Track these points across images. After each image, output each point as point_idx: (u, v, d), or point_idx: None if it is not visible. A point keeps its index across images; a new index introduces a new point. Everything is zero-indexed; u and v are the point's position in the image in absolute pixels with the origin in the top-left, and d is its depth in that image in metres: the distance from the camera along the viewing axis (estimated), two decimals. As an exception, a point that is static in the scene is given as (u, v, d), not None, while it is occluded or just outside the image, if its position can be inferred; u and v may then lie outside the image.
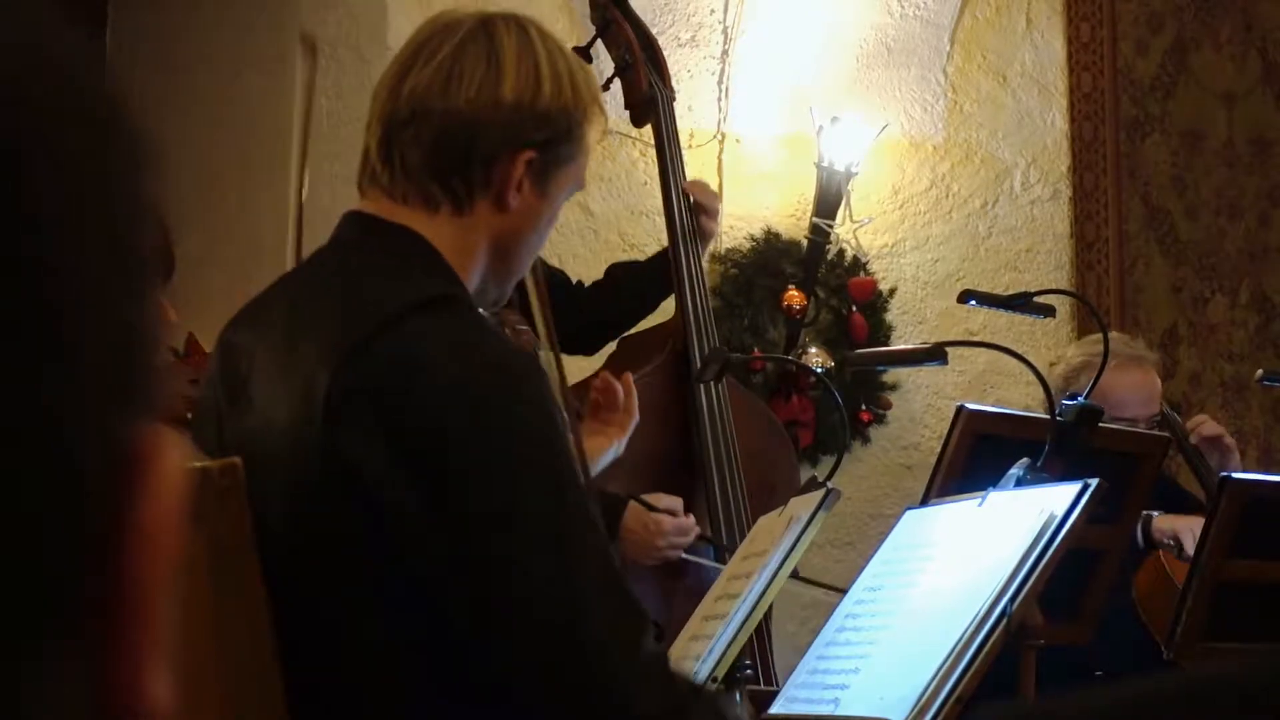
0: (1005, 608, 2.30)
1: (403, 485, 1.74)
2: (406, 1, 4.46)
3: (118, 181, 0.52)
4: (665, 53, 3.95)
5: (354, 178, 2.00)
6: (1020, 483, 2.64)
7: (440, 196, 1.92)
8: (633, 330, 3.91)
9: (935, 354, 3.02)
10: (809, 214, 4.99)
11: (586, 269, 3.97)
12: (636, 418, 2.88)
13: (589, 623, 1.75)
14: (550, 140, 1.94)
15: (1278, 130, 5.51)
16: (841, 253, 5.07)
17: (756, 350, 4.83)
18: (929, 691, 2.24)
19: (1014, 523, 2.43)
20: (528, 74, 1.93)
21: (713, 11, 4.97)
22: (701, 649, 2.46)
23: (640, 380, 3.69)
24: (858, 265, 5.09)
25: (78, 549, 0.49)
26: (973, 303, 3.37)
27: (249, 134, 4.67)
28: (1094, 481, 2.42)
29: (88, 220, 0.50)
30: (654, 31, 4.08)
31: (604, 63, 3.90)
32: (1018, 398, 4.90)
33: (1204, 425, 4.05)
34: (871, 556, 2.64)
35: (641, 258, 4.23)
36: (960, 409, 3.20)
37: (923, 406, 5.13)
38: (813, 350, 4.96)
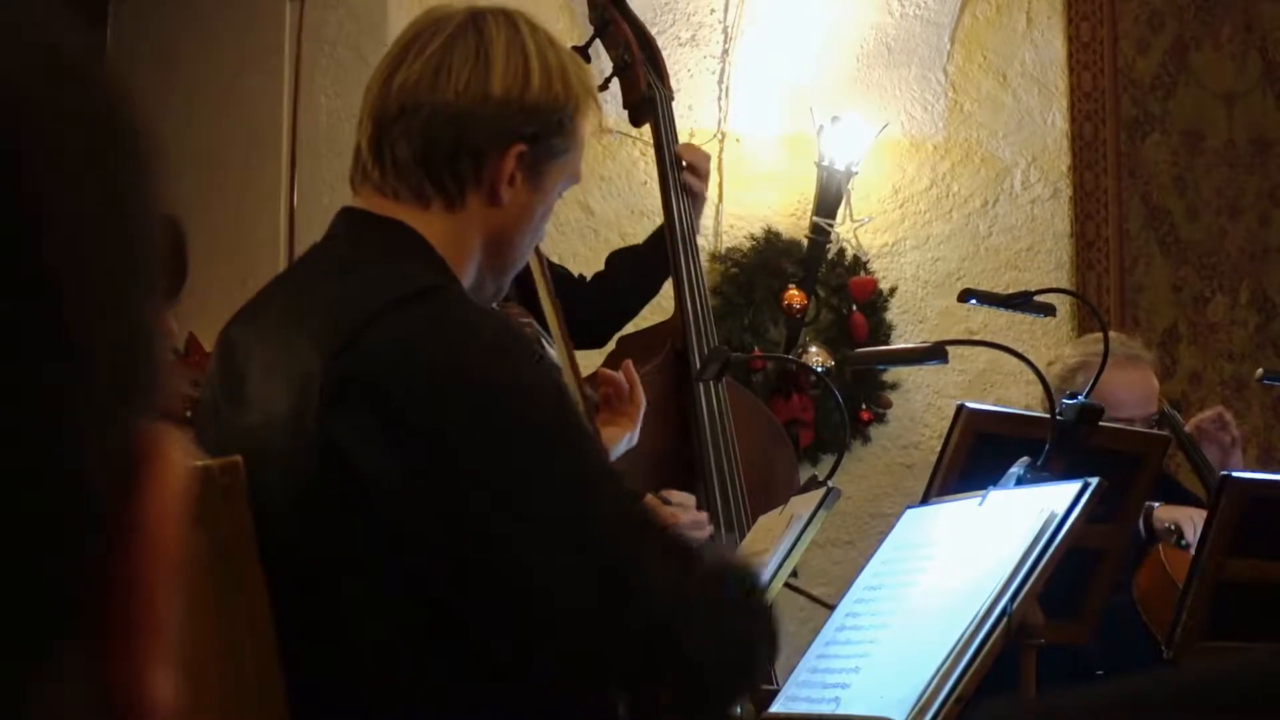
0: (1006, 607, 2.30)
1: (404, 473, 1.73)
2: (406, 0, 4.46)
3: (122, 181, 0.52)
4: (665, 52, 3.95)
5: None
6: (1021, 482, 2.64)
7: (431, 192, 1.92)
8: (632, 330, 3.91)
9: (935, 353, 3.02)
10: (809, 213, 4.99)
11: (587, 268, 3.97)
12: (644, 404, 2.88)
13: (630, 576, 1.73)
14: (541, 133, 1.93)
15: (1278, 130, 5.51)
16: (842, 252, 5.07)
17: (757, 349, 4.82)
18: (929, 690, 2.24)
19: (1014, 522, 2.43)
20: (516, 67, 1.92)
21: (713, 11, 4.96)
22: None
23: (639, 379, 3.70)
24: (858, 264, 5.09)
25: (80, 549, 0.49)
26: (973, 302, 3.37)
27: (249, 133, 4.67)
28: (1094, 480, 2.42)
29: (91, 220, 0.50)
30: (654, 31, 4.08)
31: (602, 62, 3.89)
32: (1018, 397, 4.90)
33: (1207, 418, 4.06)
34: (872, 556, 2.64)
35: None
36: (960, 408, 3.20)
37: (923, 405, 5.13)
38: (813, 349, 4.96)
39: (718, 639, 1.76)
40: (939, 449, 3.23)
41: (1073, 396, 2.95)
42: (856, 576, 2.61)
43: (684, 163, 3.78)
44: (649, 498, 3.39)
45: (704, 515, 3.15)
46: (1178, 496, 4.04)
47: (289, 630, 1.78)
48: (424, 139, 1.91)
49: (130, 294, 0.51)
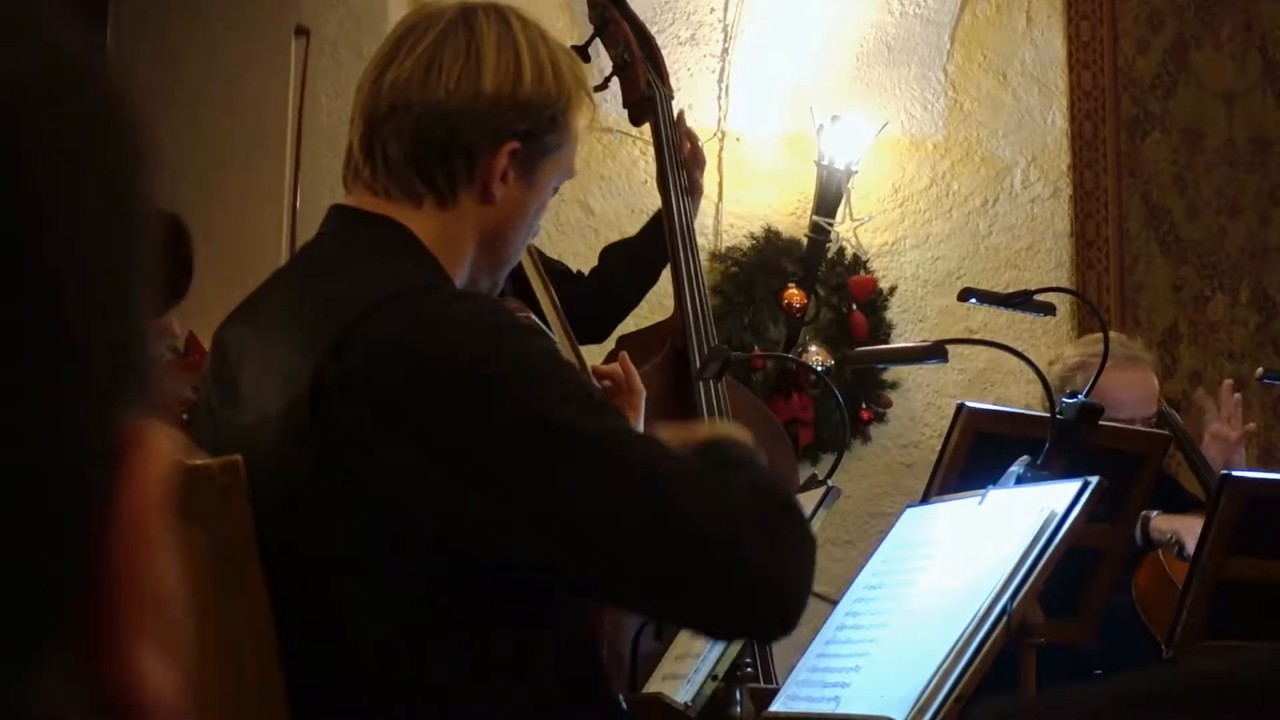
0: (1005, 606, 2.30)
1: (406, 469, 1.73)
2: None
3: (121, 180, 0.52)
4: (665, 51, 3.95)
5: (354, 177, 1.99)
6: (1021, 481, 2.64)
7: (423, 190, 1.91)
8: (632, 328, 3.91)
9: (935, 352, 3.02)
10: (809, 212, 4.99)
11: (586, 267, 3.97)
12: (644, 393, 2.87)
13: (671, 509, 1.73)
14: (534, 130, 1.92)
15: (1278, 129, 5.51)
16: (842, 251, 5.07)
17: (757, 349, 4.83)
18: (929, 690, 2.24)
19: (1014, 521, 2.43)
20: (508, 64, 1.91)
21: (712, 10, 4.97)
22: (702, 646, 2.47)
23: (640, 377, 3.69)
24: (858, 263, 5.09)
25: (72, 544, 0.49)
26: (973, 301, 3.37)
27: (250, 132, 4.67)
28: (1094, 480, 2.42)
29: (90, 219, 0.50)
30: (654, 30, 4.08)
31: (602, 61, 3.89)
32: (1018, 396, 4.90)
33: (1221, 430, 4.06)
34: (872, 555, 2.64)
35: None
36: (960, 407, 3.20)
37: (923, 405, 5.13)
38: (813, 348, 4.96)
39: (778, 555, 1.76)
40: (939, 448, 3.23)
41: (1073, 396, 2.95)
42: (856, 576, 2.61)
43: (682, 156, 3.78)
44: None
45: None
46: (1177, 496, 4.04)
47: (289, 630, 1.77)
48: (416, 137, 1.90)
49: (127, 292, 0.51)
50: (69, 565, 0.49)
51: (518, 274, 3.19)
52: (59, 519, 0.48)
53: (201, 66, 4.79)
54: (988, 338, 4.14)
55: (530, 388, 1.75)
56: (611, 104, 4.71)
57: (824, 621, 2.57)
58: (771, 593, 1.76)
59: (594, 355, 3.88)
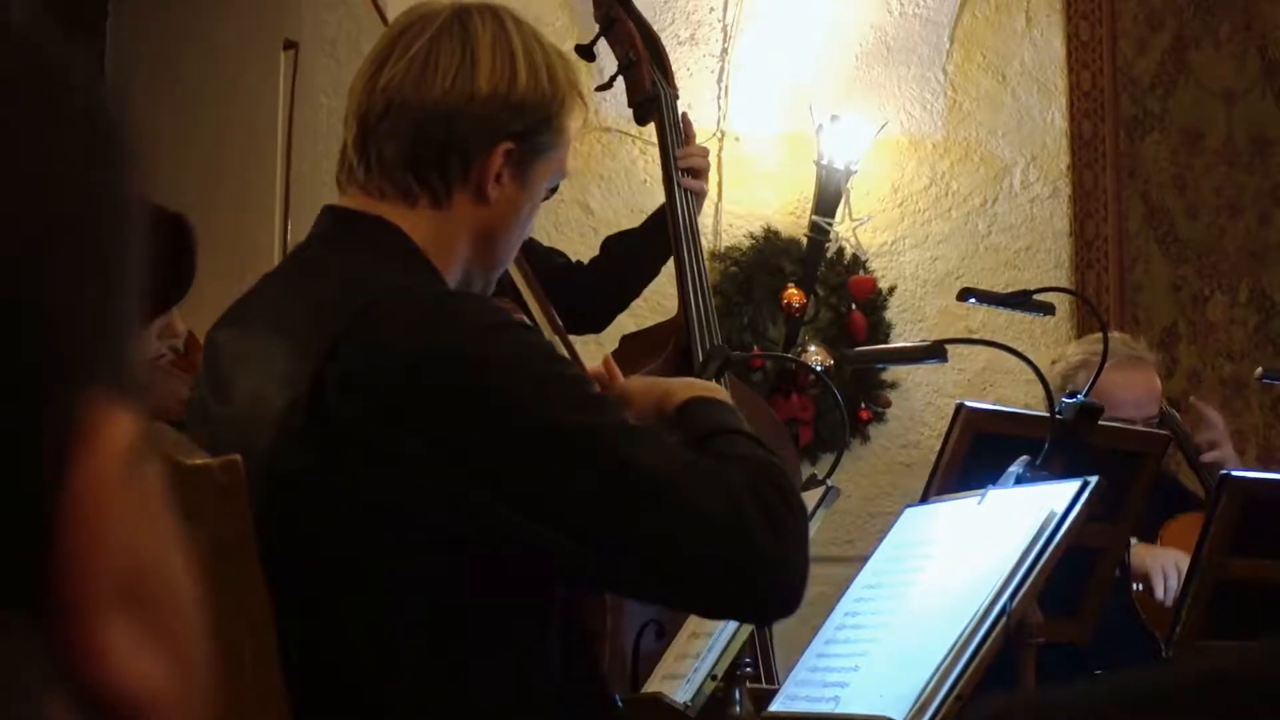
0: (1005, 605, 2.30)
1: (406, 469, 1.73)
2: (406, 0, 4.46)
3: (97, 176, 0.52)
4: (666, 51, 3.95)
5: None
6: (1020, 480, 2.64)
7: (417, 190, 1.91)
8: (635, 328, 3.91)
9: (935, 352, 3.02)
10: (808, 212, 4.99)
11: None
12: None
13: (674, 498, 1.74)
14: (528, 130, 1.92)
15: (1277, 129, 5.51)
16: (841, 251, 5.07)
17: (756, 348, 4.83)
18: (929, 689, 2.24)
19: (1014, 520, 2.43)
20: (503, 64, 1.91)
21: (712, 10, 4.97)
22: (701, 646, 2.47)
23: (640, 376, 3.69)
24: (857, 263, 5.09)
25: (28, 519, 0.49)
26: (972, 300, 3.37)
27: (249, 133, 4.67)
28: (1094, 479, 2.42)
29: (65, 213, 0.50)
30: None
31: (607, 61, 3.89)
32: (1018, 396, 4.91)
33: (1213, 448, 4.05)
34: (871, 554, 2.64)
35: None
36: (960, 407, 3.20)
37: (922, 404, 5.13)
38: (812, 348, 4.97)
39: (783, 537, 1.77)
40: (938, 448, 3.23)
41: (1073, 396, 2.95)
42: (856, 575, 2.61)
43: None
44: None
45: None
46: (1178, 496, 4.04)
47: (289, 630, 1.77)
48: (410, 138, 1.90)
49: (100, 282, 0.51)
50: (22, 535, 0.49)
51: (504, 277, 3.19)
52: (15, 490, 0.48)
53: (200, 68, 4.79)
54: (987, 337, 4.14)
55: (528, 384, 1.76)
56: (612, 103, 4.72)
57: (824, 621, 2.57)
58: (779, 574, 1.78)
59: (595, 353, 3.88)
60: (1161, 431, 3.59)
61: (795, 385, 4.90)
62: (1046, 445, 2.74)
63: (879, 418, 5.08)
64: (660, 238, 3.76)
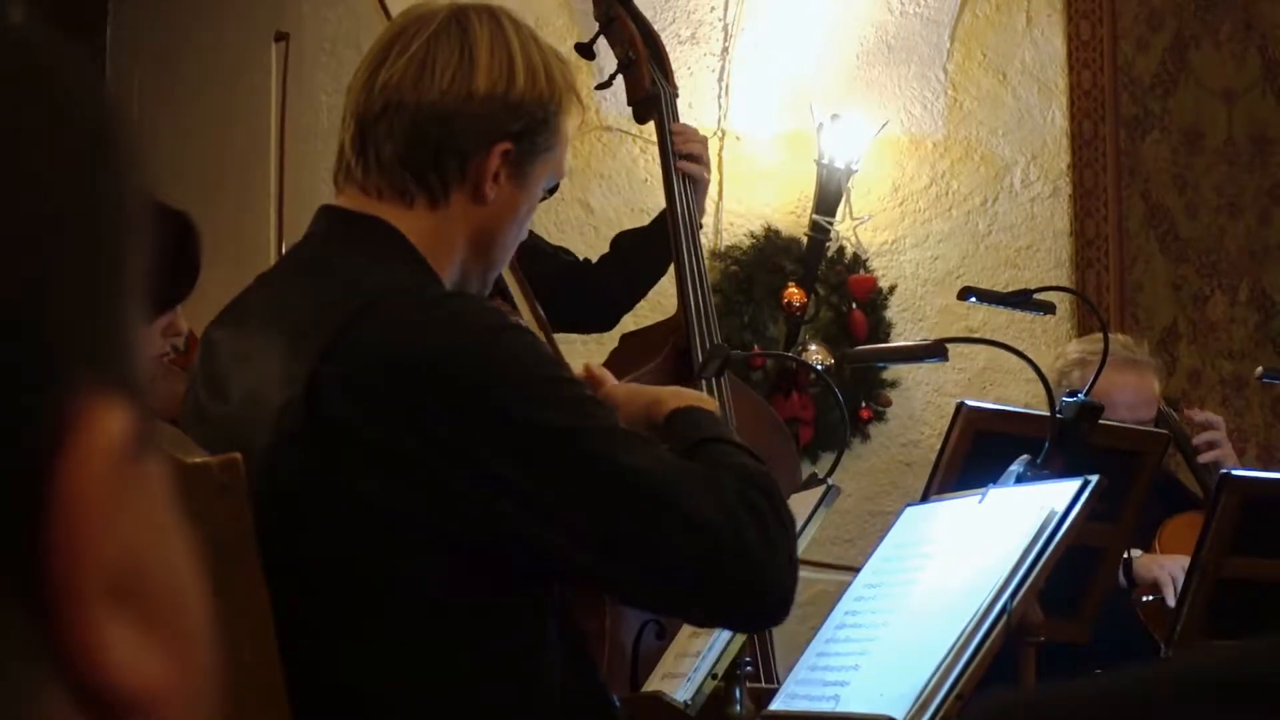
0: (1005, 604, 2.30)
1: (412, 462, 1.73)
2: (407, -1, 4.46)
3: (97, 175, 0.52)
4: (666, 50, 3.95)
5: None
6: (1020, 479, 2.64)
7: (415, 190, 1.91)
8: (634, 327, 3.91)
9: (935, 351, 3.02)
10: (809, 211, 4.99)
11: (586, 266, 3.97)
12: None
13: (666, 503, 1.75)
14: (526, 131, 1.92)
15: (1278, 128, 5.51)
16: (841, 250, 5.07)
17: (757, 347, 4.83)
18: (929, 688, 2.24)
19: (1014, 519, 2.43)
20: (501, 65, 1.91)
21: (713, 9, 4.97)
22: (702, 645, 2.47)
23: (642, 377, 3.69)
24: (858, 262, 5.09)
25: (14, 512, 0.49)
26: (973, 299, 3.36)
27: (249, 132, 4.67)
28: (1094, 478, 2.42)
29: (64, 211, 0.50)
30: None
31: (607, 59, 3.89)
32: (1018, 395, 4.90)
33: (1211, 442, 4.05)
34: (871, 553, 2.64)
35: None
36: (960, 406, 3.20)
37: (923, 404, 5.13)
38: (813, 347, 4.97)
39: (773, 543, 1.78)
40: (939, 447, 3.23)
41: (1073, 395, 2.95)
42: (856, 574, 2.62)
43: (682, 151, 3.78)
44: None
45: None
46: (1178, 495, 4.04)
47: (289, 630, 1.77)
48: (408, 138, 1.90)
49: (94, 277, 0.51)
50: (7, 528, 0.49)
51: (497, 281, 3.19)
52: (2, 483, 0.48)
53: (200, 66, 4.79)
54: (987, 336, 4.14)
55: (526, 386, 1.76)
56: (612, 102, 4.72)
57: (824, 620, 2.57)
58: (770, 581, 1.79)
59: (595, 353, 3.88)
60: (1160, 431, 3.59)
61: (796, 384, 4.90)
62: (1047, 444, 2.74)
63: (879, 417, 5.08)
64: (668, 235, 3.76)
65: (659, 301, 4.13)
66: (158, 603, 0.52)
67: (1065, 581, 2.70)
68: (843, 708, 2.33)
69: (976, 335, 4.72)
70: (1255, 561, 3.17)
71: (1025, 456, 2.68)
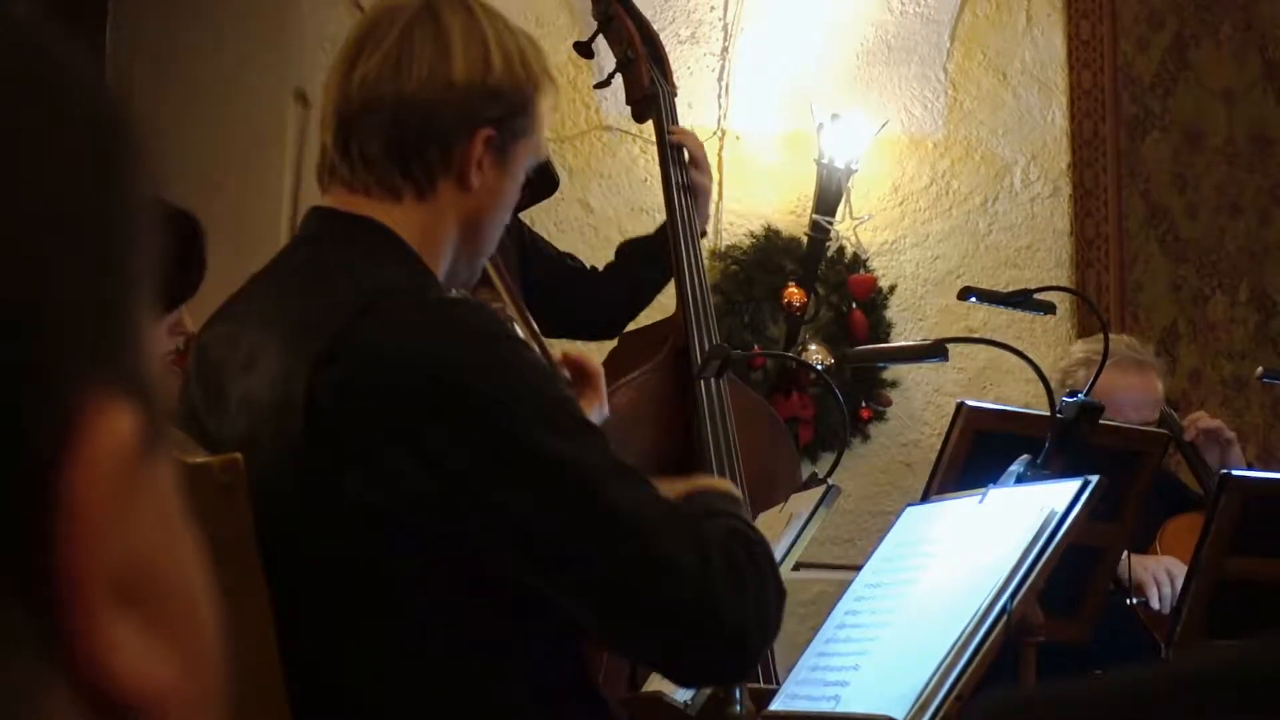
0: (1005, 604, 2.30)
1: (407, 467, 1.73)
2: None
3: (102, 174, 0.52)
4: (665, 49, 3.95)
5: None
6: (1021, 479, 2.64)
7: (402, 185, 1.91)
8: (633, 327, 3.91)
9: (936, 350, 3.02)
10: (809, 211, 4.99)
11: (586, 265, 3.96)
12: (601, 371, 2.88)
13: (635, 537, 1.75)
14: (505, 116, 1.93)
15: (1278, 128, 5.51)
16: (841, 250, 5.07)
17: (757, 347, 4.83)
18: (929, 688, 2.24)
19: (1014, 519, 2.43)
20: (476, 53, 1.92)
21: (713, 8, 4.97)
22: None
23: (641, 377, 3.69)
24: (858, 262, 5.09)
25: (18, 513, 0.49)
26: (973, 299, 3.36)
27: (250, 131, 4.67)
28: (1094, 478, 2.42)
29: (70, 210, 0.50)
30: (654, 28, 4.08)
31: (605, 58, 3.89)
32: (1018, 395, 4.90)
33: (1201, 419, 4.05)
34: (872, 553, 2.64)
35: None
36: (960, 406, 3.20)
37: (923, 403, 5.13)
38: (813, 347, 4.97)
39: (746, 600, 1.78)
40: (939, 447, 3.23)
41: (1073, 395, 2.95)
42: (856, 574, 2.61)
43: (686, 154, 3.77)
44: None
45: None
46: (1178, 495, 4.04)
47: (289, 630, 1.78)
48: (391, 132, 1.90)
49: (101, 277, 0.51)
50: (11, 528, 0.49)
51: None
52: (4, 484, 0.48)
53: (201, 66, 4.79)
54: (987, 336, 4.14)
55: (520, 400, 1.76)
56: (612, 101, 4.72)
57: (824, 621, 2.57)
58: (730, 635, 1.78)
59: (597, 352, 3.88)
60: (1161, 431, 3.59)
61: (796, 384, 4.90)
62: (1047, 444, 2.74)
63: (879, 417, 5.08)
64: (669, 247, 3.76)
65: (659, 301, 4.13)
66: (165, 604, 0.52)
67: (1065, 581, 2.70)
68: (843, 708, 2.33)
69: (976, 335, 4.72)
70: (1255, 562, 3.17)
71: (1025, 456, 2.68)
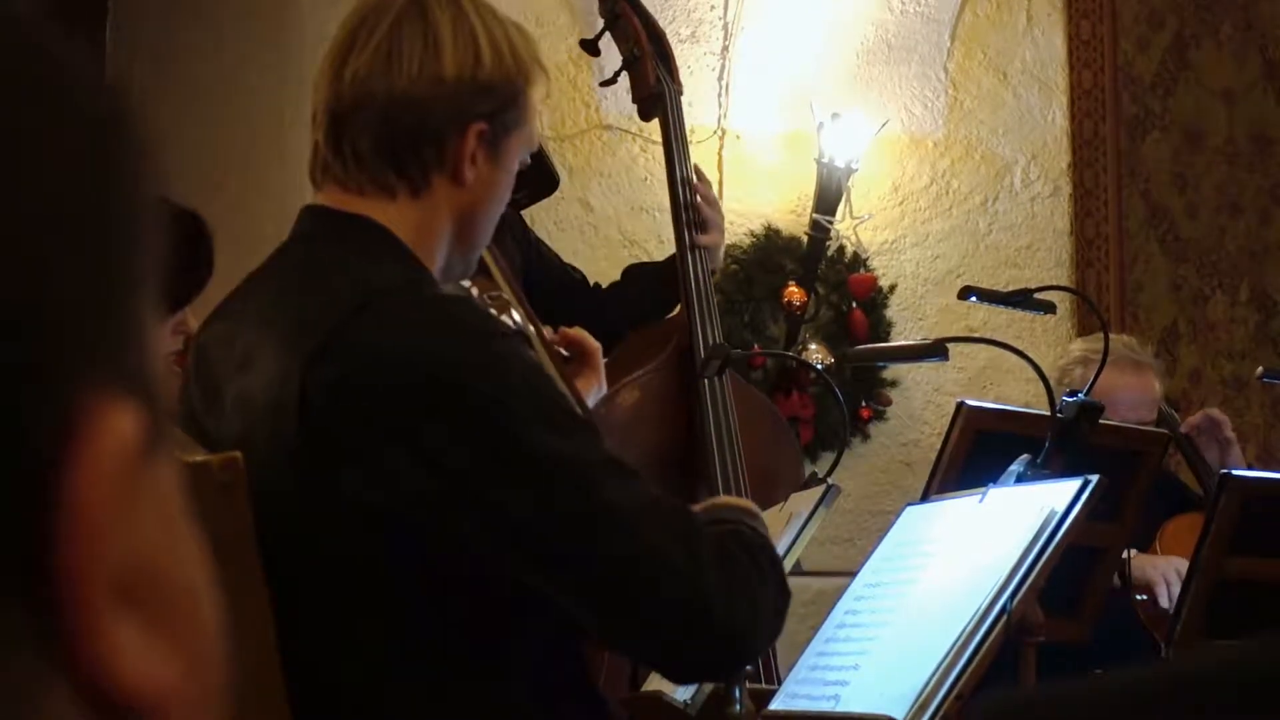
0: (1005, 604, 2.30)
1: (404, 467, 1.73)
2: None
3: (109, 177, 0.52)
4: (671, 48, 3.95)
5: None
6: (1021, 479, 2.64)
7: (396, 182, 1.90)
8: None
9: (936, 350, 3.02)
10: (809, 210, 4.99)
11: (586, 265, 3.97)
12: (599, 348, 2.87)
13: (629, 536, 1.75)
14: (498, 110, 1.92)
15: (1278, 127, 5.50)
16: (842, 249, 5.07)
17: (757, 346, 4.83)
18: (929, 688, 2.24)
19: (1014, 519, 2.43)
20: (466, 47, 1.91)
21: (713, 8, 4.96)
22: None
23: (646, 376, 3.69)
24: (858, 262, 5.09)
25: (18, 514, 0.49)
26: (973, 299, 3.37)
27: (250, 130, 4.67)
28: (1094, 478, 2.42)
29: (72, 210, 0.50)
30: (654, 28, 4.07)
31: (611, 56, 3.89)
32: (1018, 394, 4.90)
33: (1210, 410, 4.05)
34: (872, 553, 2.64)
35: (641, 253, 4.21)
36: (960, 405, 3.20)
37: (923, 403, 5.13)
38: (813, 346, 4.97)
39: (738, 597, 1.78)
40: (939, 446, 3.23)
41: (1073, 394, 2.95)
42: (856, 574, 2.62)
43: (698, 198, 3.77)
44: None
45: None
46: (1179, 495, 4.04)
47: (289, 630, 1.77)
48: (383, 130, 1.89)
49: (105, 277, 0.51)
50: (12, 529, 0.49)
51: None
52: (4, 484, 0.48)
53: (201, 66, 4.79)
54: (988, 336, 4.14)
55: (516, 403, 1.76)
56: (613, 100, 4.72)
57: (824, 620, 2.57)
58: (722, 632, 1.78)
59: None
60: (1161, 430, 3.59)
61: (796, 383, 4.90)
62: (1047, 444, 2.74)
63: (879, 416, 5.08)
64: (676, 275, 3.76)
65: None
66: (167, 604, 0.52)
67: (1065, 581, 2.70)
68: (843, 708, 2.33)
69: (976, 335, 4.72)
70: (1255, 561, 3.17)
71: (1025, 456, 2.68)
